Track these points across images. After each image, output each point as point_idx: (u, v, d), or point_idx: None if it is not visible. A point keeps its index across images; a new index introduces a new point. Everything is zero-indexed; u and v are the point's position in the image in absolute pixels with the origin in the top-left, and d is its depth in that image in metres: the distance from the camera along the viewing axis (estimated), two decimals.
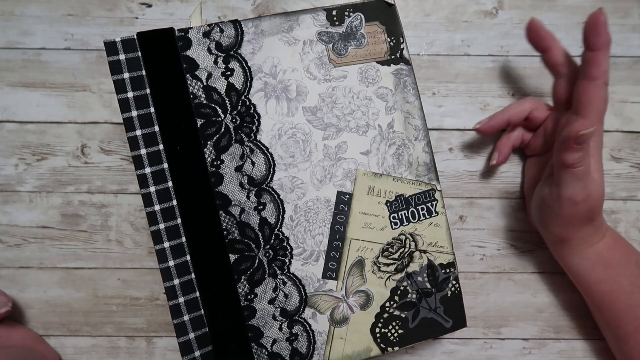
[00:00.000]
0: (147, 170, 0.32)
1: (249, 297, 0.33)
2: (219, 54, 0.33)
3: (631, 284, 0.36)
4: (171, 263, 0.32)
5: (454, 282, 0.35)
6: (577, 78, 0.35)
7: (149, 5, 0.42)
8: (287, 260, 0.33)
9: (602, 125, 0.35)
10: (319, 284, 0.34)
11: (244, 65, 0.33)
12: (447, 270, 0.35)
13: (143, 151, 0.32)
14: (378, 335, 0.34)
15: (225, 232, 0.32)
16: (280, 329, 0.33)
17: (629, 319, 0.36)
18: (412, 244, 0.34)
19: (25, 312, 0.41)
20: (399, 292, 0.34)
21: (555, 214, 0.35)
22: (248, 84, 0.33)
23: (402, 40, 0.35)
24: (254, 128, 0.33)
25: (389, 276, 0.34)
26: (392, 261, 0.34)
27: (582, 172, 0.32)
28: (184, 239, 0.32)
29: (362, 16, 0.34)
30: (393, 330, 0.34)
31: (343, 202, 0.34)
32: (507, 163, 0.42)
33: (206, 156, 0.32)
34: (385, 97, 0.34)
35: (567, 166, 0.33)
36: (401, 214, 0.34)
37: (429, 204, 0.35)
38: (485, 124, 0.38)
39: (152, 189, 0.32)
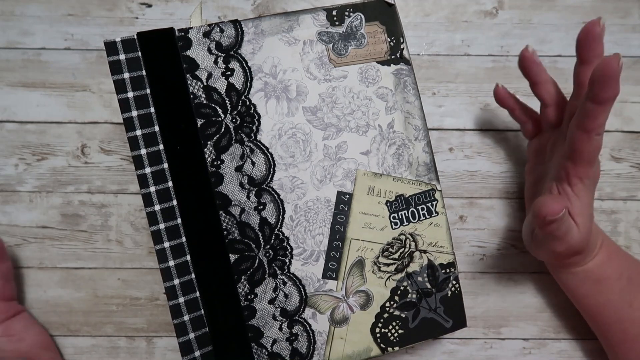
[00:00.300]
0: (147, 170, 0.32)
1: (249, 297, 0.33)
2: (219, 54, 0.33)
3: (620, 299, 0.35)
4: (171, 263, 0.32)
5: (454, 282, 0.35)
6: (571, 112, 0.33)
7: (149, 5, 0.42)
8: (287, 260, 0.33)
9: (594, 167, 0.32)
10: (319, 284, 0.34)
11: (244, 65, 0.33)
12: (447, 270, 0.35)
13: (143, 151, 0.32)
14: (378, 335, 0.34)
15: (225, 232, 0.32)
16: (280, 329, 0.33)
17: (616, 331, 0.36)
18: (412, 244, 0.34)
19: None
20: (399, 292, 0.34)
21: (538, 253, 0.36)
22: (248, 84, 0.33)
23: (402, 40, 0.35)
24: (254, 128, 0.33)
25: (389, 276, 0.34)
26: (392, 261, 0.34)
27: (560, 234, 0.31)
28: (184, 239, 0.32)
29: (362, 16, 0.34)
30: (393, 330, 0.34)
31: (343, 202, 0.34)
32: (508, 163, 0.42)
33: (206, 156, 0.32)
34: (385, 97, 0.34)
35: (545, 234, 0.32)
36: (401, 214, 0.34)
37: (429, 204, 0.35)
38: (505, 93, 0.38)
39: (152, 189, 0.32)
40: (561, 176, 0.33)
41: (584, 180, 0.32)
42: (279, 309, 0.33)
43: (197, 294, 0.32)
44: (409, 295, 0.34)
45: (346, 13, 0.34)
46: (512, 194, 0.42)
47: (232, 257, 0.32)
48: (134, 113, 0.32)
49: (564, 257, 0.35)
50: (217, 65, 0.33)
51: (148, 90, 0.32)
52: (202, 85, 0.32)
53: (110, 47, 0.31)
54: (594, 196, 0.34)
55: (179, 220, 0.32)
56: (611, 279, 0.36)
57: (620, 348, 0.36)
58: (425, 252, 0.34)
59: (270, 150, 0.33)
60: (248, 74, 0.33)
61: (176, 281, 0.32)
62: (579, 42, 0.31)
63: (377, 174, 0.34)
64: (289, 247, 0.33)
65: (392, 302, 0.34)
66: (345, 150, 0.34)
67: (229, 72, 0.33)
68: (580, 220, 0.32)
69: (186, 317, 0.32)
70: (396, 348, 0.34)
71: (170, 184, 0.32)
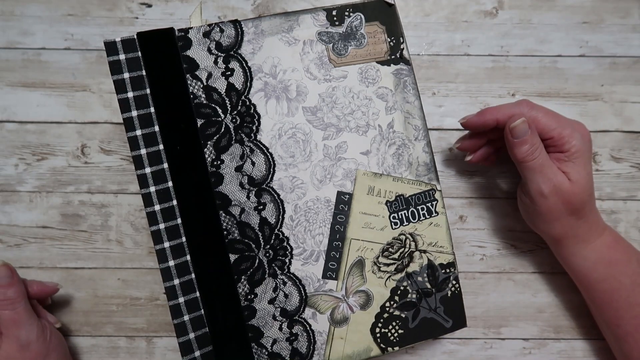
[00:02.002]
0: (147, 170, 0.32)
1: (249, 297, 0.33)
2: (219, 54, 0.33)
3: (632, 282, 0.36)
4: (171, 263, 0.32)
5: (454, 282, 0.35)
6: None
7: (149, 5, 0.42)
8: (287, 260, 0.33)
9: (568, 130, 0.35)
10: (319, 284, 0.34)
11: (244, 65, 0.33)
12: (447, 270, 0.35)
13: (143, 151, 0.32)
14: (378, 335, 0.34)
15: (225, 232, 0.32)
16: (280, 329, 0.33)
17: (629, 317, 0.36)
18: (412, 244, 0.34)
19: None
20: (399, 292, 0.34)
21: (534, 211, 0.36)
22: (248, 84, 0.33)
23: (402, 40, 0.35)
24: (254, 128, 0.33)
25: (389, 276, 0.34)
26: (392, 261, 0.34)
27: (537, 164, 0.34)
28: (184, 239, 0.32)
29: (362, 16, 0.34)
30: (393, 330, 0.34)
31: (343, 202, 0.34)
32: (508, 163, 0.42)
33: (206, 156, 0.32)
34: (385, 97, 0.34)
35: (520, 162, 0.34)
36: (401, 214, 0.34)
37: (429, 204, 0.35)
38: (470, 119, 0.37)
39: (152, 189, 0.32)
40: (554, 152, 0.35)
41: (571, 142, 0.34)
42: (279, 309, 0.33)
43: (197, 294, 0.32)
44: (409, 295, 0.34)
45: (346, 13, 0.34)
46: (512, 194, 0.42)
47: (232, 257, 0.32)
48: (134, 113, 0.32)
49: (558, 210, 0.35)
50: (217, 65, 0.33)
51: (148, 90, 0.32)
52: (202, 85, 0.32)
53: (110, 47, 0.31)
54: (591, 168, 0.36)
55: (179, 220, 0.32)
56: (622, 262, 0.36)
57: (631, 337, 0.35)
58: (425, 252, 0.34)
59: (270, 150, 0.33)
60: (248, 74, 0.33)
61: (176, 281, 0.32)
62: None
63: (377, 174, 0.34)
64: (289, 247, 0.33)
65: (392, 302, 0.34)
66: (345, 150, 0.34)
67: (229, 72, 0.33)
68: (574, 177, 0.34)
69: (186, 317, 0.32)
70: (396, 348, 0.34)
71: (170, 184, 0.32)
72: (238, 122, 0.33)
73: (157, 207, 0.32)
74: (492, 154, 0.39)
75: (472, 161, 0.39)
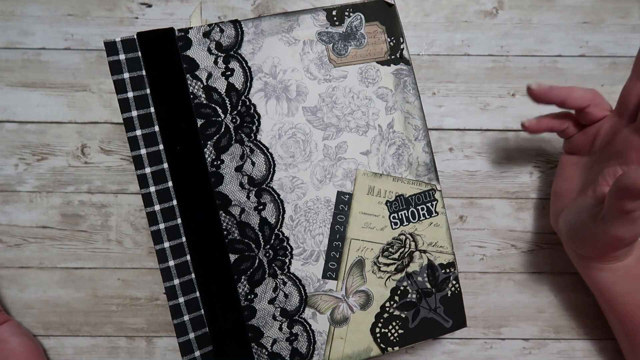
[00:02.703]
0: (147, 170, 0.32)
1: (249, 297, 0.33)
2: (219, 54, 0.33)
3: None
4: (171, 263, 0.32)
5: (454, 282, 0.35)
6: None
7: (149, 5, 0.42)
8: (287, 260, 0.33)
9: None
10: (319, 284, 0.34)
11: (244, 65, 0.33)
12: (447, 270, 0.35)
13: (143, 151, 0.32)
14: (378, 335, 0.34)
15: (225, 232, 0.32)
16: (280, 329, 0.33)
17: None
18: (412, 244, 0.34)
19: (25, 312, 0.41)
20: (399, 292, 0.34)
21: (594, 241, 0.33)
22: (248, 84, 0.33)
23: (402, 40, 0.35)
24: (254, 128, 0.33)
25: (389, 276, 0.34)
26: (392, 261, 0.34)
27: (637, 216, 0.29)
28: (184, 239, 0.32)
29: (362, 16, 0.34)
30: (393, 330, 0.34)
31: (343, 202, 0.34)
32: (508, 163, 0.42)
33: (206, 156, 0.32)
34: (385, 97, 0.34)
35: (622, 213, 0.29)
36: (401, 214, 0.34)
37: (429, 204, 0.35)
38: (534, 123, 0.35)
39: (152, 189, 0.32)
40: (629, 156, 0.31)
41: None
42: (279, 309, 0.33)
43: (197, 294, 0.32)
44: (409, 295, 0.34)
45: (346, 13, 0.34)
46: (512, 194, 0.42)
47: (232, 257, 0.32)
48: (134, 113, 0.32)
49: (622, 247, 0.33)
50: (217, 65, 0.33)
51: (148, 90, 0.32)
52: (202, 85, 0.32)
53: (110, 47, 0.31)
54: None
55: (179, 220, 0.32)
56: None
57: None
58: (425, 252, 0.34)
59: (270, 150, 0.33)
60: (248, 74, 0.33)
61: (176, 281, 0.32)
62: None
63: (377, 174, 0.34)
64: (289, 247, 0.33)
65: (392, 302, 0.34)
66: (345, 150, 0.34)
67: (229, 72, 0.33)
68: None
69: (186, 317, 0.32)
70: (396, 348, 0.34)
71: (170, 184, 0.32)
72: (238, 122, 0.33)
73: (157, 207, 0.32)
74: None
75: (527, 128, 0.36)
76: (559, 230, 0.37)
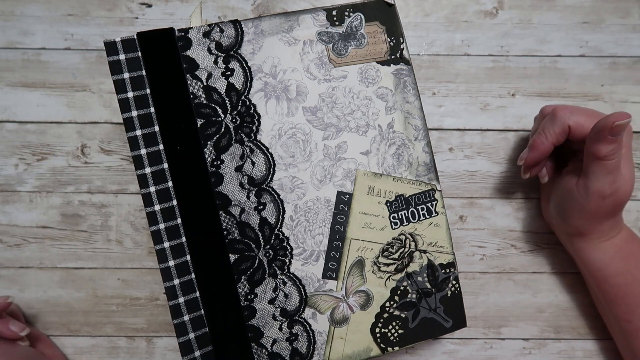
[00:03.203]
0: (147, 170, 0.32)
1: (249, 297, 0.33)
2: (219, 54, 0.33)
3: None
4: (171, 263, 0.32)
5: (454, 282, 0.35)
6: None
7: (149, 5, 0.42)
8: (287, 260, 0.33)
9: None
10: (319, 284, 0.34)
11: (244, 65, 0.33)
12: (447, 270, 0.35)
13: (143, 151, 0.32)
14: (378, 335, 0.34)
15: (225, 232, 0.32)
16: (280, 329, 0.33)
17: None
18: (412, 244, 0.34)
19: (25, 312, 0.41)
20: (399, 292, 0.34)
21: (580, 206, 0.35)
22: (248, 84, 0.33)
23: (402, 40, 0.35)
24: (254, 128, 0.33)
25: (389, 276, 0.34)
26: (392, 261, 0.34)
27: (613, 165, 0.33)
28: (184, 239, 0.32)
29: (362, 16, 0.34)
30: (393, 330, 0.34)
31: (343, 202, 0.34)
32: (508, 163, 0.42)
33: (206, 156, 0.32)
34: (385, 97, 0.34)
35: (600, 158, 0.33)
36: (401, 214, 0.34)
37: (429, 204, 0.35)
38: (528, 158, 0.37)
39: (152, 189, 0.32)
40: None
41: (627, 133, 0.34)
42: (279, 309, 0.33)
43: (197, 294, 0.32)
44: (409, 295, 0.34)
45: (346, 13, 0.34)
46: (512, 194, 0.42)
47: (232, 257, 0.32)
48: (134, 113, 0.32)
49: (605, 211, 0.35)
50: (217, 65, 0.33)
51: (148, 90, 0.32)
52: (202, 85, 0.32)
53: (110, 47, 0.31)
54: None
55: (179, 220, 0.32)
56: (638, 256, 0.36)
57: None
58: (425, 252, 0.34)
59: (270, 150, 0.33)
60: (248, 74, 0.33)
61: (176, 281, 0.32)
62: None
63: (377, 174, 0.34)
64: (289, 247, 0.33)
65: (392, 302, 0.34)
66: (345, 150, 0.34)
67: (229, 72, 0.33)
68: (627, 174, 0.34)
69: (186, 317, 0.32)
70: (396, 348, 0.34)
71: (170, 184, 0.32)
72: (238, 122, 0.33)
73: (157, 207, 0.32)
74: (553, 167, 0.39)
75: (540, 176, 0.38)
76: (550, 217, 0.40)
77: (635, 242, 0.37)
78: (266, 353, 0.33)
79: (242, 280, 0.33)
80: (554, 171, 0.39)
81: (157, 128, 0.32)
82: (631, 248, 0.37)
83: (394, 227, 0.34)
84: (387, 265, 0.34)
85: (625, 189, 0.34)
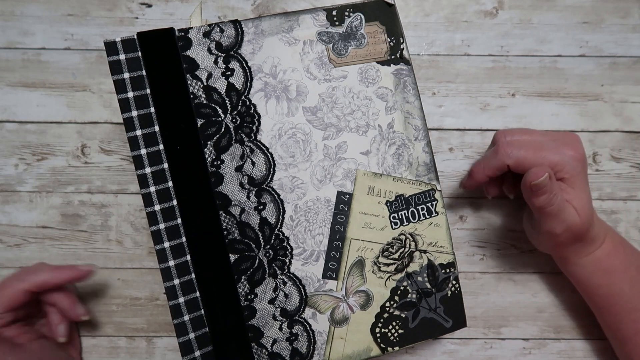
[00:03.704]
0: (147, 170, 0.32)
1: (249, 297, 0.33)
2: (219, 54, 0.33)
3: (631, 287, 0.36)
4: (171, 263, 0.32)
5: (454, 282, 0.35)
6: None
7: (149, 5, 0.42)
8: (287, 260, 0.33)
9: (572, 161, 0.34)
10: (319, 284, 0.34)
11: (244, 65, 0.33)
12: (447, 270, 0.35)
13: (143, 151, 0.32)
14: (378, 335, 0.34)
15: (225, 232, 0.32)
16: (280, 329, 0.33)
17: (628, 322, 0.36)
18: (412, 244, 0.34)
19: None
20: (399, 292, 0.34)
21: (542, 240, 0.37)
22: (248, 84, 0.33)
23: (402, 41, 0.35)
24: (254, 128, 0.33)
25: (389, 276, 0.34)
26: (392, 261, 0.34)
27: (554, 210, 0.33)
28: (184, 239, 0.32)
29: (362, 16, 0.34)
30: (393, 330, 0.34)
31: (343, 202, 0.34)
32: None
33: (206, 156, 0.32)
34: (385, 97, 0.34)
35: (538, 209, 0.33)
36: (401, 214, 0.34)
37: (429, 204, 0.35)
38: (465, 184, 0.39)
39: (152, 189, 0.32)
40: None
41: (566, 169, 0.34)
42: (279, 309, 0.33)
43: (197, 294, 0.32)
44: (409, 295, 0.34)
45: (346, 13, 0.34)
46: None
47: (232, 257, 0.32)
48: (134, 113, 0.32)
49: (566, 242, 0.35)
50: (217, 65, 0.33)
51: (148, 90, 0.32)
52: (202, 85, 0.32)
53: (110, 47, 0.31)
54: (590, 192, 0.36)
55: (179, 220, 0.32)
56: (620, 269, 0.36)
57: (633, 340, 0.36)
58: (425, 252, 0.34)
59: (270, 150, 0.33)
60: (248, 74, 0.33)
61: (176, 281, 0.32)
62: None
63: (377, 174, 0.34)
64: (289, 247, 0.33)
65: (392, 302, 0.34)
66: (345, 150, 0.34)
67: (229, 72, 0.33)
68: (578, 205, 0.34)
69: (186, 317, 0.32)
70: (396, 348, 0.34)
71: (170, 184, 0.32)
72: (238, 122, 0.33)
73: (157, 207, 0.32)
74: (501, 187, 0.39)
75: (492, 196, 0.39)
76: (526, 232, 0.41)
77: (617, 255, 0.37)
78: (266, 353, 0.33)
79: (242, 280, 0.33)
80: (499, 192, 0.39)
81: (157, 128, 0.32)
82: (612, 261, 0.36)
83: (394, 227, 0.34)
84: (387, 265, 0.34)
85: (578, 222, 0.34)
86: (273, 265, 0.33)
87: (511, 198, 0.39)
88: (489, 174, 0.36)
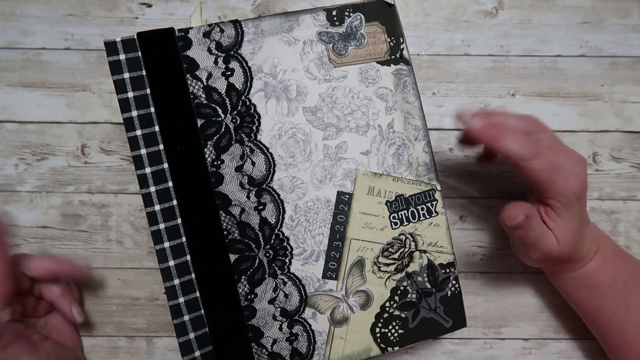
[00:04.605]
0: (147, 170, 0.32)
1: (249, 297, 0.33)
2: (219, 54, 0.33)
3: (616, 302, 0.35)
4: (171, 263, 0.32)
5: (454, 282, 0.35)
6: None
7: (149, 5, 0.42)
8: (287, 260, 0.33)
9: (562, 186, 0.32)
10: (319, 284, 0.34)
11: (244, 65, 0.33)
12: (447, 270, 0.35)
13: (143, 151, 0.32)
14: (378, 335, 0.34)
15: (225, 232, 0.32)
16: (280, 329, 0.33)
17: (614, 333, 0.36)
18: (412, 244, 0.34)
19: None
20: (399, 292, 0.34)
21: (522, 257, 0.37)
22: (248, 84, 0.33)
23: (402, 41, 0.35)
24: (254, 128, 0.33)
25: (389, 276, 0.34)
26: (392, 261, 0.34)
27: (530, 241, 0.33)
28: (184, 239, 0.32)
29: (362, 16, 0.34)
30: (393, 330, 0.34)
31: (343, 202, 0.34)
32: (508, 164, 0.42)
33: (206, 156, 0.32)
34: (385, 97, 0.34)
35: (516, 238, 0.35)
36: (401, 214, 0.34)
37: (429, 204, 0.35)
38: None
39: (152, 189, 0.32)
40: (539, 198, 0.34)
41: (559, 199, 0.32)
42: (279, 309, 0.33)
43: (197, 294, 0.32)
44: (409, 295, 0.34)
45: (346, 13, 0.34)
46: (512, 194, 0.42)
47: (232, 257, 0.32)
48: (134, 113, 0.32)
49: (545, 264, 0.36)
50: (217, 65, 0.33)
51: (148, 90, 0.32)
52: (202, 85, 0.32)
53: (110, 47, 0.31)
54: (586, 204, 0.34)
55: (179, 220, 0.32)
56: (605, 285, 0.35)
57: (620, 349, 0.36)
58: (425, 252, 0.34)
59: (270, 150, 0.33)
60: (248, 74, 0.33)
61: (176, 281, 0.32)
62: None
63: (377, 174, 0.34)
64: (289, 247, 0.33)
65: (392, 302, 0.34)
66: (345, 150, 0.34)
67: (229, 72, 0.33)
68: (560, 235, 0.33)
69: (186, 317, 0.32)
70: (396, 348, 0.34)
71: (170, 184, 0.32)
72: (238, 122, 0.33)
73: (157, 207, 0.32)
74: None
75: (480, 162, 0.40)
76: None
77: (605, 271, 0.36)
78: (266, 353, 0.33)
79: (242, 280, 0.33)
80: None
81: (157, 128, 0.32)
82: (598, 278, 0.35)
83: (394, 227, 0.34)
84: (387, 265, 0.34)
85: (556, 252, 0.33)
86: (273, 265, 0.33)
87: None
88: (505, 146, 0.31)
